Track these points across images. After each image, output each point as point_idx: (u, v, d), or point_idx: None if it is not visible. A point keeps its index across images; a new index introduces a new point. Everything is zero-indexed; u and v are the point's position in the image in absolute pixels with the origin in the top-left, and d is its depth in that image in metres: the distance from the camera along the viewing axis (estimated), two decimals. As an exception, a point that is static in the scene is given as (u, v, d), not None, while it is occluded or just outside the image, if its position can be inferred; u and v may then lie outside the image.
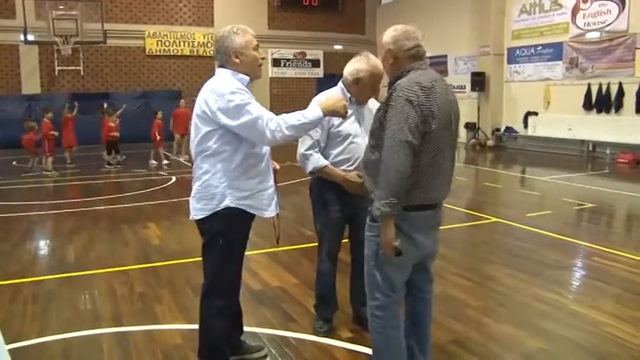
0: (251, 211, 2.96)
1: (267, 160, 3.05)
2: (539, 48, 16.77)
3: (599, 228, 7.54)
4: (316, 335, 3.82)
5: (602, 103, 14.96)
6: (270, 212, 3.07)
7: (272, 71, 23.07)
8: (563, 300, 4.54)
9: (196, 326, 3.22)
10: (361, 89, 3.59)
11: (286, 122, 2.79)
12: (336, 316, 4.01)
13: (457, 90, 19.33)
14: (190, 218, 3.00)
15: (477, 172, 12.95)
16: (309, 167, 3.59)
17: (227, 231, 2.92)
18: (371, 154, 2.74)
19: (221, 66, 2.95)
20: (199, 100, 2.87)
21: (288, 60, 23.40)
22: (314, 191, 3.79)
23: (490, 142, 17.84)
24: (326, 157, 3.60)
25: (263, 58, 3.02)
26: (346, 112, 2.98)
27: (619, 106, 14.61)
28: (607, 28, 14.78)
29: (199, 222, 2.97)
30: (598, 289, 4.87)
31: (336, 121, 3.52)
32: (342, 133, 3.58)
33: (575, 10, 15.68)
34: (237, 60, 2.89)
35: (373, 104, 3.72)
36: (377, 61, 3.47)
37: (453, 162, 2.85)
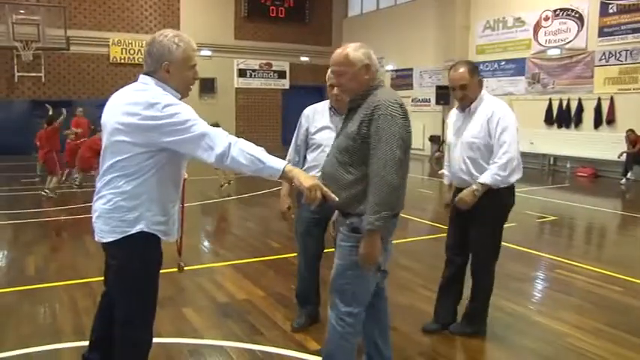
0: (161, 236, 2.68)
1: (181, 184, 2.80)
2: (503, 63, 17.14)
3: (560, 240, 7.70)
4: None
5: (563, 118, 15.38)
6: (173, 237, 2.82)
7: (238, 82, 22.99)
8: (526, 311, 4.61)
9: (165, 339, 3.15)
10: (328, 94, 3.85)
11: (242, 149, 2.48)
12: (307, 327, 4.07)
13: (422, 103, 19.62)
14: (96, 240, 2.68)
15: (441, 185, 13.10)
16: None
17: (141, 257, 2.63)
18: (345, 172, 2.77)
19: (147, 73, 2.61)
20: (118, 110, 2.54)
21: (254, 71, 23.35)
22: None
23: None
24: (305, 162, 3.98)
25: (196, 79, 2.71)
26: (311, 203, 2.55)
27: (578, 121, 15.04)
28: (567, 46, 15.21)
29: (107, 245, 2.65)
30: (559, 300, 4.98)
31: (312, 129, 3.89)
32: (315, 142, 3.88)
33: (536, 28, 16.09)
34: (166, 74, 2.58)
35: None
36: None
37: None
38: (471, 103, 3.79)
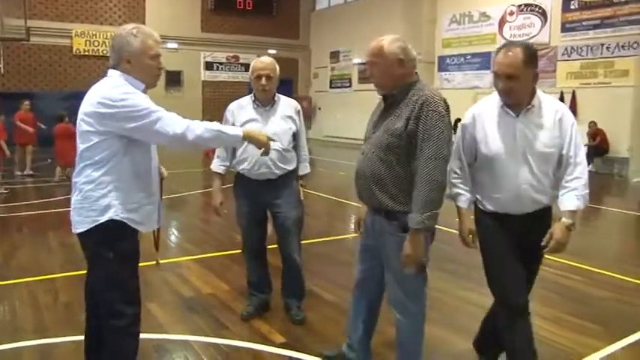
0: (133, 226, 2.70)
1: (154, 172, 2.85)
2: (469, 57, 17.34)
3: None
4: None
5: (527, 111, 15.62)
6: (151, 227, 2.88)
7: (204, 74, 22.79)
8: (491, 301, 4.65)
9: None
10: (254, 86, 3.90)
11: (204, 126, 2.67)
12: (271, 320, 4.05)
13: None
14: (73, 231, 2.70)
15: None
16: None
17: (112, 244, 2.64)
18: (390, 170, 2.73)
19: (113, 67, 2.69)
20: (87, 102, 2.61)
21: (221, 64, 23.17)
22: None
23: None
24: (234, 157, 4.03)
25: (160, 69, 2.76)
26: (265, 149, 2.89)
27: (542, 114, 15.29)
28: (531, 41, 15.44)
29: (81, 236, 2.68)
30: (524, 290, 5.05)
31: (238, 123, 3.88)
32: None
33: (501, 22, 16.31)
34: (128, 65, 2.65)
35: (284, 109, 3.95)
36: (264, 59, 3.87)
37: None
38: (522, 101, 2.85)
